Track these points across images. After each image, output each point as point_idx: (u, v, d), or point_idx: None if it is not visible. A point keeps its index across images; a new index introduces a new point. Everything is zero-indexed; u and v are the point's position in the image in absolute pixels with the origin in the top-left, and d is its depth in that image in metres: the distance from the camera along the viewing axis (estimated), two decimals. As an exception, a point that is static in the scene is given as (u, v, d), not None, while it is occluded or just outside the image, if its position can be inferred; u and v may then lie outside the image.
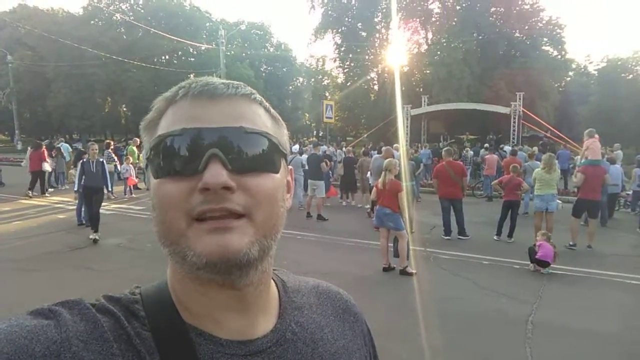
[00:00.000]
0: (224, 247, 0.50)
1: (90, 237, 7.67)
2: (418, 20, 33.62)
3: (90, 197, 7.84)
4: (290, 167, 0.64)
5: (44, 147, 12.20)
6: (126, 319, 0.53)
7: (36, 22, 35.31)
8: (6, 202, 11.54)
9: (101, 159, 8.15)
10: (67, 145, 17.55)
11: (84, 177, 7.88)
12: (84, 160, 8.03)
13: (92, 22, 37.39)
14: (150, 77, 34.52)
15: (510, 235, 8.11)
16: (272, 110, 0.61)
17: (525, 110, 20.45)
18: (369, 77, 36.10)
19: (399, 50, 32.46)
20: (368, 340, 0.76)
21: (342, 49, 36.24)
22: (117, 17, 37.39)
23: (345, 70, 38.28)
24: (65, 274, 6.04)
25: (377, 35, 35.72)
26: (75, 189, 8.09)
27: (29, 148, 13.70)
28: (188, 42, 31.38)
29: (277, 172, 0.57)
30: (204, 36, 39.69)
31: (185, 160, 0.51)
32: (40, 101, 36.42)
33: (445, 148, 9.46)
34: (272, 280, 0.65)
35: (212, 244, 0.50)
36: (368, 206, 10.17)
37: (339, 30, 36.00)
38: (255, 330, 0.58)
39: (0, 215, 9.92)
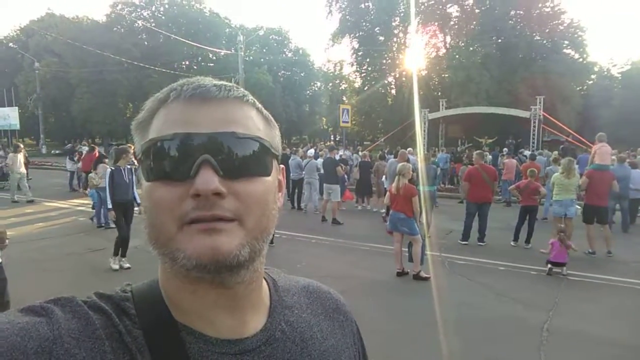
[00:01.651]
0: (214, 248, 0.50)
1: (115, 266, 6.34)
2: (436, 24, 33.42)
3: (123, 214, 6.35)
4: (281, 165, 0.64)
5: (96, 149, 12.59)
6: (117, 317, 0.53)
7: (62, 29, 36.38)
8: (30, 204, 11.86)
9: (129, 166, 6.65)
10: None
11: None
12: (114, 169, 6.44)
13: (114, 28, 38.23)
14: (171, 83, 33.95)
15: (527, 241, 7.97)
16: (265, 112, 0.61)
17: (546, 114, 20.09)
18: (386, 81, 35.98)
19: (416, 54, 32.39)
20: (357, 339, 0.76)
21: (360, 53, 36.21)
22: (138, 23, 38.16)
23: (362, 75, 38.20)
24: (84, 275, 6.19)
25: (395, 39, 35.61)
26: (110, 206, 6.26)
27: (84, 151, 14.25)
28: (208, 47, 31.87)
29: (268, 175, 0.57)
30: (224, 42, 40.20)
31: (176, 165, 0.52)
32: (65, 106, 37.43)
33: (477, 151, 9.36)
34: (263, 279, 0.65)
35: (202, 245, 0.50)
36: (383, 210, 10.14)
37: (357, 35, 35.98)
38: (245, 329, 0.59)
39: (23, 217, 10.22)
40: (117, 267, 6.35)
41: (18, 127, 34.13)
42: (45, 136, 34.71)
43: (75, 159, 14.58)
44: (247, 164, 0.54)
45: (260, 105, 0.60)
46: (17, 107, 33.95)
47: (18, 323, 0.47)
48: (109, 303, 0.55)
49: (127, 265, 6.40)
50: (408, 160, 8.72)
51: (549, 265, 6.40)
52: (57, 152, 32.34)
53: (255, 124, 0.57)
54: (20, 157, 12.36)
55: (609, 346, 4.30)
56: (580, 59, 31.29)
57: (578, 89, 31.55)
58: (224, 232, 0.51)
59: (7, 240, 3.66)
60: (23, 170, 12.38)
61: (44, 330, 0.47)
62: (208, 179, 0.50)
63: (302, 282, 0.76)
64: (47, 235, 8.46)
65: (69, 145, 20.34)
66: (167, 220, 0.52)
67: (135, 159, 0.58)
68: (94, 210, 9.59)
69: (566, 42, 30.43)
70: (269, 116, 0.62)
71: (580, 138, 19.00)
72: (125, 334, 0.52)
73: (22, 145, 13.23)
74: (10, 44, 44.07)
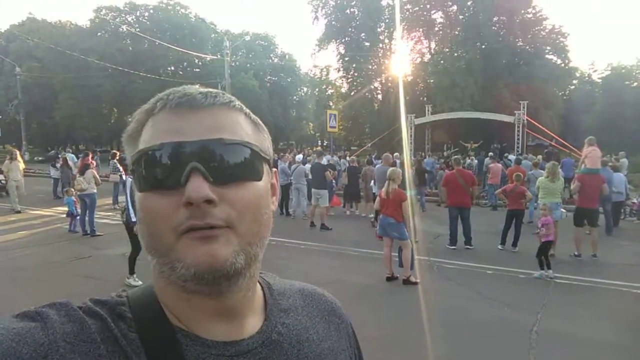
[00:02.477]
0: (211, 256, 0.51)
1: (136, 282, 5.83)
2: (421, 30, 33.79)
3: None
4: (274, 169, 0.64)
5: (90, 154, 12.35)
6: (113, 321, 0.53)
7: (44, 34, 35.82)
8: (13, 212, 11.61)
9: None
10: (73, 155, 17.68)
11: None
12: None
13: (98, 34, 37.77)
14: (156, 88, 32.91)
15: (514, 244, 8.06)
16: (253, 116, 0.62)
17: (530, 119, 20.42)
18: (372, 87, 36.20)
19: (402, 60, 32.61)
20: (353, 342, 0.77)
21: (346, 59, 36.39)
22: (123, 28, 37.78)
23: (349, 80, 38.41)
24: (69, 284, 6.07)
25: (381, 45, 35.92)
26: (134, 219, 5.56)
27: (80, 156, 13.95)
28: (193, 53, 31.66)
29: (259, 179, 0.57)
30: (209, 47, 40.00)
31: (167, 174, 0.52)
32: (48, 112, 36.74)
33: (455, 157, 9.47)
34: (257, 283, 0.66)
35: (199, 254, 0.51)
36: (372, 215, 10.17)
37: (343, 41, 36.17)
38: (241, 332, 0.59)
39: (6, 226, 9.99)
40: (138, 282, 5.80)
41: (-1, 133, 33.54)
42: (27, 143, 34.00)
43: (58, 165, 14.34)
44: (237, 169, 0.54)
45: (248, 110, 0.61)
46: (-3, 114, 33.34)
47: (13, 328, 0.47)
48: (104, 308, 0.55)
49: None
50: (394, 164, 8.79)
51: (541, 272, 6.45)
52: (40, 159, 31.74)
53: (244, 129, 0.58)
54: (17, 164, 11.93)
55: (597, 347, 4.36)
56: (563, 65, 31.93)
57: (560, 93, 32.19)
58: (218, 239, 0.52)
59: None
60: (20, 178, 11.94)
61: (38, 335, 0.47)
62: (198, 187, 0.50)
63: (297, 285, 0.76)
64: (31, 244, 8.29)
65: (53, 152, 20.01)
66: (164, 230, 0.52)
67: (129, 169, 0.58)
68: (69, 219, 9.44)
69: (548, 47, 31.01)
70: (257, 120, 0.62)
71: (564, 142, 19.33)
72: (121, 337, 0.52)
73: (17, 152, 12.84)
74: (-10, 49, 43.28)
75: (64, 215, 9.80)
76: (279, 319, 0.65)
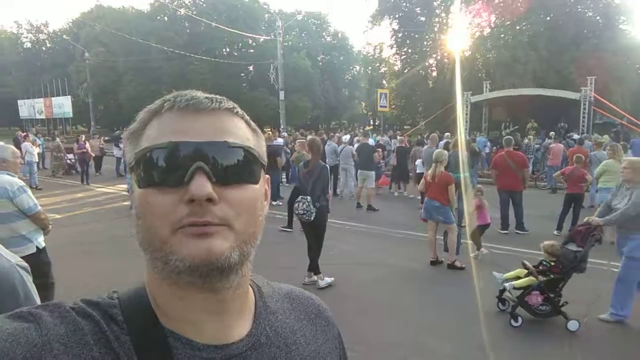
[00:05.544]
0: (207, 250, 0.52)
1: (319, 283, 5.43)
2: (481, 2, 32.03)
3: None
4: (267, 175, 0.66)
5: None
6: (105, 323, 0.54)
7: (109, 20, 37.64)
8: (80, 190, 12.49)
9: None
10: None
11: None
12: None
13: (157, 17, 39.21)
14: (212, 70, 35.63)
15: (571, 230, 7.62)
16: (252, 124, 0.64)
17: (597, 96, 18.96)
18: (427, 64, 35.01)
19: (459, 34, 31.14)
20: (339, 343, 0.78)
21: (400, 35, 35.38)
22: (180, 12, 38.87)
23: (402, 57, 37.36)
24: (125, 259, 6.41)
25: (437, 19, 34.48)
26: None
27: None
28: (247, 34, 31.98)
29: (256, 182, 0.60)
30: (263, 27, 40.30)
31: (171, 172, 0.54)
32: (113, 94, 38.88)
33: (506, 137, 9.02)
34: (249, 286, 0.67)
35: (195, 248, 0.52)
36: (420, 197, 9.98)
37: (397, 16, 35.10)
38: (231, 335, 0.60)
39: (73, 202, 10.78)
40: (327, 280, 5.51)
41: (71, 115, 35.93)
42: (95, 123, 36.17)
43: (121, 145, 15.19)
44: (237, 171, 0.57)
45: (248, 118, 0.64)
46: (70, 96, 35.61)
47: (6, 329, 0.49)
48: (96, 309, 0.56)
49: None
50: (446, 146, 8.51)
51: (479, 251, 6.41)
52: (106, 139, 33.73)
53: (245, 134, 0.61)
54: None
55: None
56: (638, 36, 29.22)
57: (637, 66, 29.42)
58: (215, 235, 0.53)
59: (50, 226, 3.86)
60: None
61: (32, 336, 0.49)
62: (202, 185, 0.52)
63: (285, 288, 0.78)
64: (93, 219, 8.92)
65: (117, 132, 21.18)
66: (162, 224, 0.54)
67: (128, 166, 0.60)
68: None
69: (623, 17, 28.41)
70: (256, 128, 0.65)
71: (635, 120, 17.84)
72: (114, 340, 0.53)
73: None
74: (64, 36, 46.16)
75: (126, 192, 10.39)
76: (267, 322, 0.66)
